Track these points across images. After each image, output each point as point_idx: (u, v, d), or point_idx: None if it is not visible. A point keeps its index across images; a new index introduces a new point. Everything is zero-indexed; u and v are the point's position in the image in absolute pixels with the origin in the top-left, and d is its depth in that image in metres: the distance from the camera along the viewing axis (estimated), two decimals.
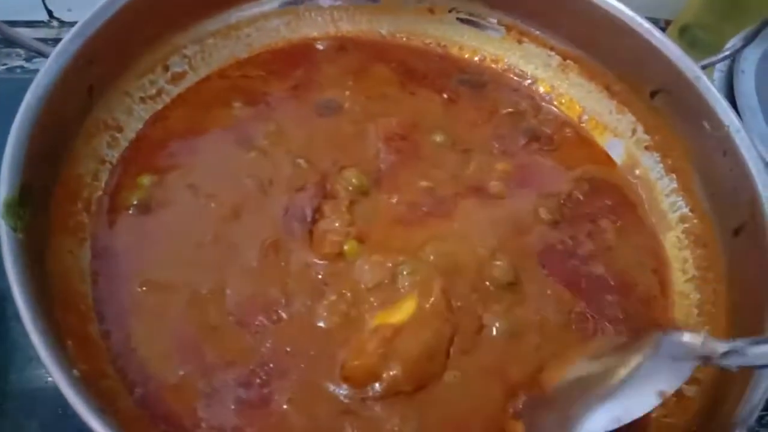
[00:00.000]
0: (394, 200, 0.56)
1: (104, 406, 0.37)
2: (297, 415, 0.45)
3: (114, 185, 0.54)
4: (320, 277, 0.51)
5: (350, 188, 0.55)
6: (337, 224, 0.53)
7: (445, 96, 0.66)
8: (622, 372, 0.42)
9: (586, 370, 0.46)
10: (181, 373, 0.46)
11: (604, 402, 0.41)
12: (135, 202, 0.53)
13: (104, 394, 0.41)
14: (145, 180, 0.54)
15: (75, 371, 0.37)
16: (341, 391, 0.46)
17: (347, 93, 0.64)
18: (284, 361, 0.47)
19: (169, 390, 0.45)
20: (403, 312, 0.48)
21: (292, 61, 0.66)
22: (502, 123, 0.65)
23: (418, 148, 0.61)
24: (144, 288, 0.49)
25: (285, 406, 0.45)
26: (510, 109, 0.67)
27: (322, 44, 0.68)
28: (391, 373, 0.46)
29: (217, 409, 0.45)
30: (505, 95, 0.68)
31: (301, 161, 0.57)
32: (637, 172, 0.64)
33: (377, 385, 0.46)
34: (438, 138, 0.62)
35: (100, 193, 0.53)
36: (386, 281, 0.50)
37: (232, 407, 0.45)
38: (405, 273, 0.50)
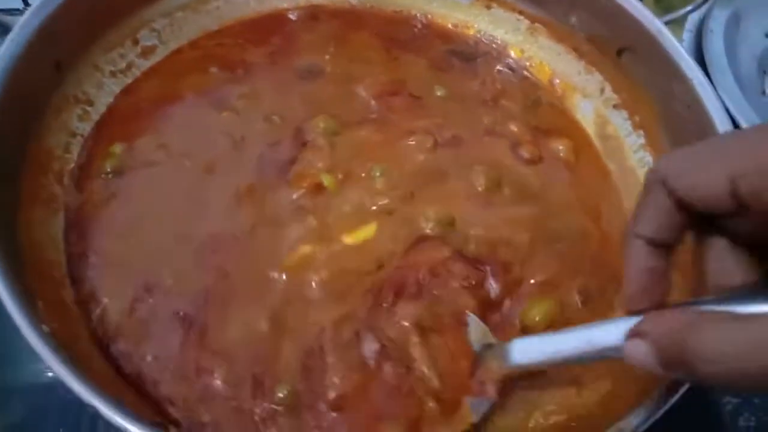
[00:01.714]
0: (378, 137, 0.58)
1: (80, 368, 0.38)
2: None
3: (86, 156, 0.54)
4: (299, 205, 0.52)
5: (320, 132, 0.56)
6: (320, 164, 0.54)
7: (433, 64, 0.67)
8: None
9: None
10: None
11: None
12: (108, 170, 0.53)
13: (79, 357, 0.42)
14: (117, 148, 0.54)
15: (44, 327, 0.38)
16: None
17: (328, 57, 0.65)
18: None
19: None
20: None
21: (266, 30, 0.67)
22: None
23: (417, 100, 0.62)
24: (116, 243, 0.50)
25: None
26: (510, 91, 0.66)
27: (293, 14, 0.69)
28: None
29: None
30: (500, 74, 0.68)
31: (275, 118, 0.58)
32: (608, 130, 0.64)
33: None
34: (439, 92, 0.63)
35: (72, 165, 0.54)
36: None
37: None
38: (377, 174, 0.53)
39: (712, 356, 0.28)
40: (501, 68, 0.68)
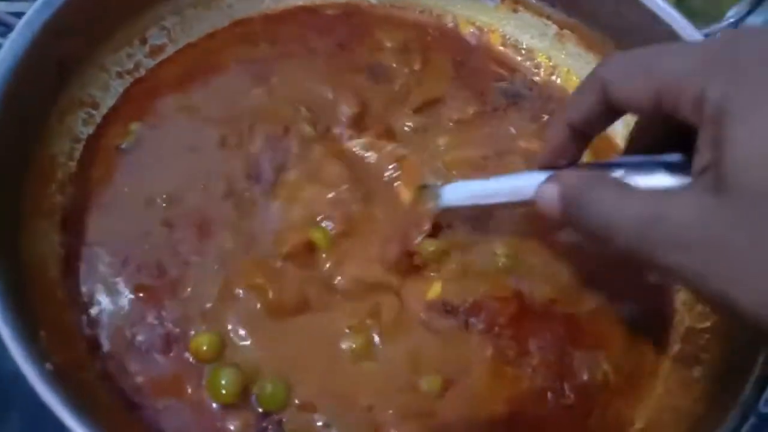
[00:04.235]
0: None
1: (81, 400, 0.35)
2: None
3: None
4: None
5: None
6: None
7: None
8: None
9: None
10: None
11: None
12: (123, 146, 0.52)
13: (84, 390, 0.39)
14: (135, 126, 0.53)
15: (48, 364, 0.35)
16: None
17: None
18: None
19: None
20: None
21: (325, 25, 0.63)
22: None
23: None
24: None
25: None
26: None
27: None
28: None
29: None
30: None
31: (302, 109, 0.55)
32: None
33: None
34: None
35: (73, 171, 0.50)
36: None
37: None
38: None
39: (594, 215, 0.34)
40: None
